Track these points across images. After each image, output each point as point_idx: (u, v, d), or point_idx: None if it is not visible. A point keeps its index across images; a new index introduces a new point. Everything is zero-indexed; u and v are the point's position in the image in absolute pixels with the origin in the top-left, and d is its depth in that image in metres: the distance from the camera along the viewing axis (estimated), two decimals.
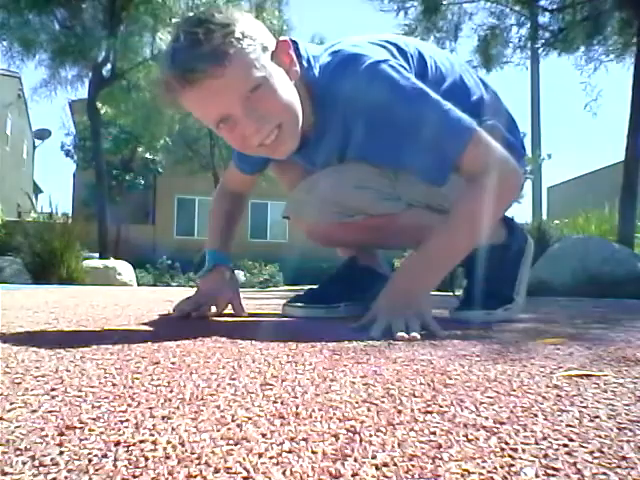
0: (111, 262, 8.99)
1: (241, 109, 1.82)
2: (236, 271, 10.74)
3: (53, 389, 1.09)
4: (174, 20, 11.67)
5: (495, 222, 2.06)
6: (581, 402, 1.02)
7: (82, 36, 11.25)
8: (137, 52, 11.75)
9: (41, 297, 3.84)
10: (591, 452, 0.76)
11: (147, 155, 20.23)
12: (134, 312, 2.71)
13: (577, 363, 1.39)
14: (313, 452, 0.76)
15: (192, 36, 1.72)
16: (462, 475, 0.68)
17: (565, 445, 0.79)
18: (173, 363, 1.35)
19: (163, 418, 0.91)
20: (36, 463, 0.71)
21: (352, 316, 2.26)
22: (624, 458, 0.74)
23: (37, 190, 31.81)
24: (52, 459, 0.73)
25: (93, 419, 0.90)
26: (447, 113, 1.86)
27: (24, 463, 0.71)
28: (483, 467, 0.71)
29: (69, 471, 0.69)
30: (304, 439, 0.81)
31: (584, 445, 0.79)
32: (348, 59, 1.94)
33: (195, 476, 0.68)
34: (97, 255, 9.80)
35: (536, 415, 0.94)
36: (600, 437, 0.83)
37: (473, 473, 0.69)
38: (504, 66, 10.12)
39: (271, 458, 0.73)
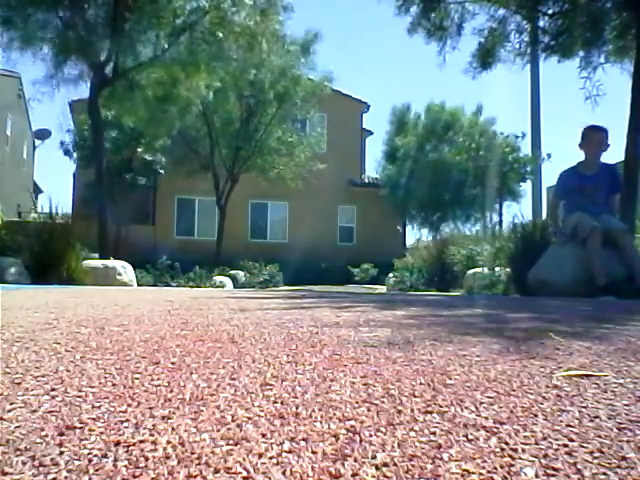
0: (111, 262, 8.96)
1: None
2: (236, 271, 10.60)
3: (53, 389, 1.09)
4: (177, 20, 11.70)
5: None
6: (581, 402, 1.02)
7: (85, 35, 11.26)
8: (140, 52, 11.75)
9: (41, 297, 3.84)
10: (591, 452, 0.76)
11: (147, 155, 20.22)
12: (134, 312, 2.71)
13: (577, 363, 1.39)
14: (313, 452, 0.76)
15: None
16: (462, 475, 0.69)
17: (565, 445, 0.79)
18: (173, 363, 1.35)
19: (163, 418, 0.91)
20: (36, 463, 0.72)
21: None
22: (624, 458, 0.74)
23: (37, 190, 31.78)
24: (52, 459, 0.73)
25: (93, 419, 0.90)
26: None
27: (24, 463, 0.71)
28: (483, 467, 0.71)
29: (69, 471, 0.69)
30: (304, 439, 0.81)
31: (584, 445, 0.79)
32: None
33: (195, 476, 0.68)
34: (97, 255, 9.78)
35: (536, 415, 0.94)
36: (600, 437, 0.83)
37: (473, 473, 0.69)
38: (504, 67, 10.16)
39: (271, 458, 0.73)
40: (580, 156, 5.88)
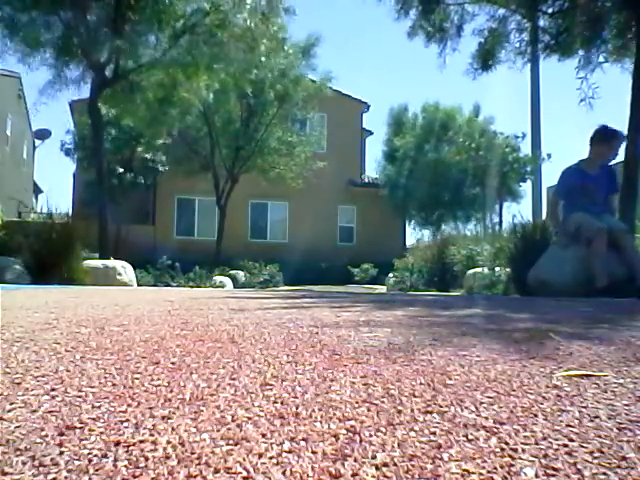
0: (111, 262, 8.96)
1: None
2: (236, 271, 10.58)
3: (53, 389, 1.09)
4: (178, 22, 11.69)
5: None
6: (581, 402, 1.02)
7: (86, 37, 11.27)
8: (141, 53, 11.75)
9: (41, 297, 3.84)
10: (591, 452, 0.76)
11: (147, 155, 20.25)
12: (134, 312, 2.71)
13: (577, 363, 1.39)
14: (313, 452, 0.76)
15: None
16: (462, 475, 0.69)
17: (565, 445, 0.79)
18: (173, 363, 1.35)
19: (163, 418, 0.91)
20: (36, 463, 0.72)
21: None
22: (624, 458, 0.74)
23: (37, 190, 31.76)
24: (52, 459, 0.73)
25: (93, 419, 0.90)
26: None
27: (24, 463, 0.71)
28: (483, 467, 0.71)
29: (69, 471, 0.69)
30: (304, 439, 0.81)
31: (584, 445, 0.79)
32: None
33: (195, 476, 0.68)
34: (97, 255, 9.78)
35: (536, 415, 0.94)
36: (600, 437, 0.83)
37: (473, 473, 0.69)
38: (504, 67, 10.17)
39: (271, 458, 0.73)
40: (583, 154, 5.81)
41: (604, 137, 5.65)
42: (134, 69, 11.92)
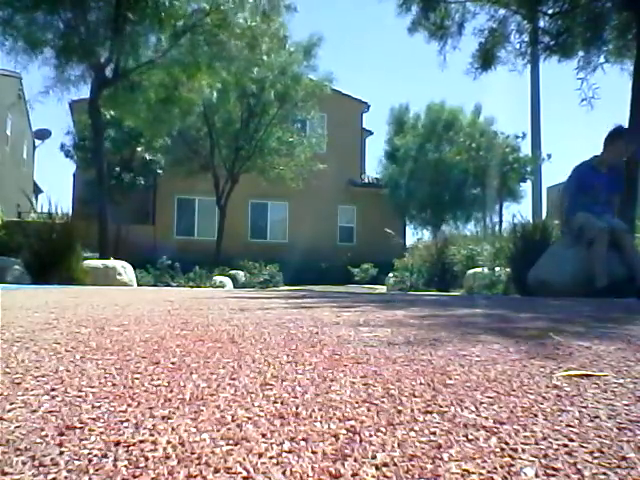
0: (111, 262, 8.97)
1: None
2: (236, 271, 10.56)
3: (53, 389, 1.09)
4: (178, 22, 11.69)
5: None
6: (581, 402, 1.02)
7: (86, 36, 11.28)
8: (141, 53, 11.76)
9: (41, 297, 3.83)
10: (591, 452, 0.76)
11: (147, 155, 20.26)
12: (134, 312, 2.71)
13: (577, 363, 1.39)
14: (313, 452, 0.76)
15: None
16: (462, 475, 0.69)
17: (565, 445, 0.79)
18: (173, 363, 1.35)
19: (163, 418, 0.91)
20: (36, 463, 0.72)
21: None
22: (624, 458, 0.74)
23: (37, 190, 31.75)
24: (52, 459, 0.73)
25: (93, 419, 0.90)
26: None
27: (24, 463, 0.71)
28: (483, 467, 0.71)
29: (69, 471, 0.69)
30: (304, 439, 0.81)
31: (584, 445, 0.79)
32: None
33: (195, 476, 0.68)
34: (97, 255, 9.78)
35: (536, 415, 0.94)
36: (600, 437, 0.83)
37: (473, 473, 0.69)
38: (504, 67, 10.16)
39: (271, 458, 0.73)
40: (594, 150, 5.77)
41: (621, 137, 5.63)
42: (134, 69, 11.92)
